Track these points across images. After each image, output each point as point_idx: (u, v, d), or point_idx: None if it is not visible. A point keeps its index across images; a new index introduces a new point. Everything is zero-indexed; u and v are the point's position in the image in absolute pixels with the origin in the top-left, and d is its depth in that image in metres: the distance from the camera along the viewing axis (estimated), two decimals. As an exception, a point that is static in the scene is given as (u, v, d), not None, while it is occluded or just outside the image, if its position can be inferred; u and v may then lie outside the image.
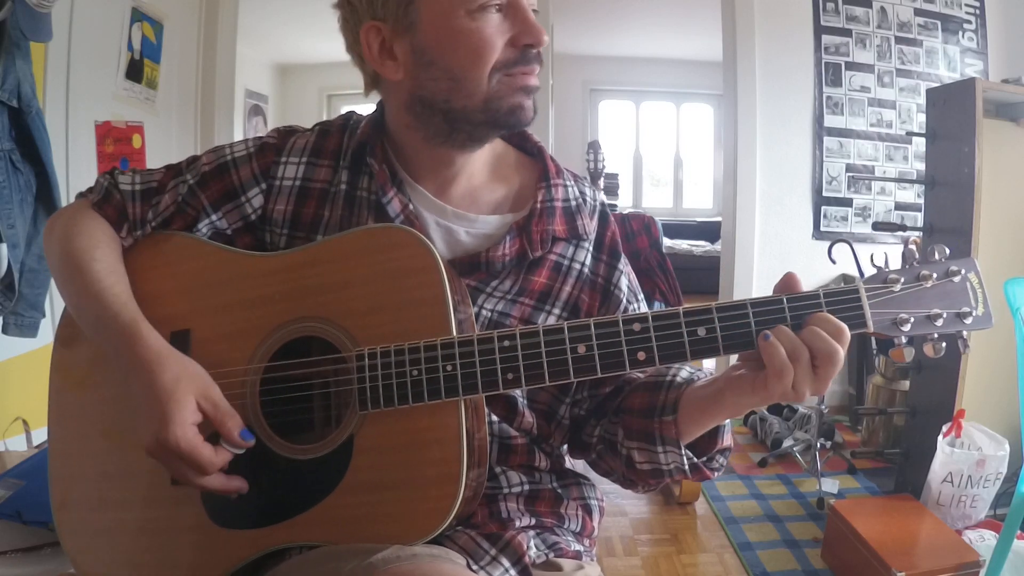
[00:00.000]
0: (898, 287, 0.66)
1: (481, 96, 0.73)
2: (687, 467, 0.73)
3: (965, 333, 0.67)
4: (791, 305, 0.65)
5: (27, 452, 1.48)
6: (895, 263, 0.68)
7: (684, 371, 0.78)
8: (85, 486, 0.79)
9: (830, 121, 3.20)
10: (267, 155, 0.82)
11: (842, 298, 0.65)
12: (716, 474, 0.77)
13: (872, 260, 0.69)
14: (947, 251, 0.67)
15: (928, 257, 0.67)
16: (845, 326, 0.63)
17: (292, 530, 0.70)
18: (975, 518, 1.98)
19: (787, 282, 0.67)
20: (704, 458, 0.75)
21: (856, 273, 2.43)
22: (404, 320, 0.70)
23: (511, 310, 0.79)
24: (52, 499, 0.80)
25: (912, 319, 0.65)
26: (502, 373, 0.67)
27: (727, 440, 0.76)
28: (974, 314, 0.66)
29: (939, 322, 0.66)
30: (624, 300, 0.86)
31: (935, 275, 0.66)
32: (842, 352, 0.62)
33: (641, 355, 0.66)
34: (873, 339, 3.11)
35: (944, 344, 0.67)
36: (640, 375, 0.82)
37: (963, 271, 0.66)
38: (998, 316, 0.68)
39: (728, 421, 0.74)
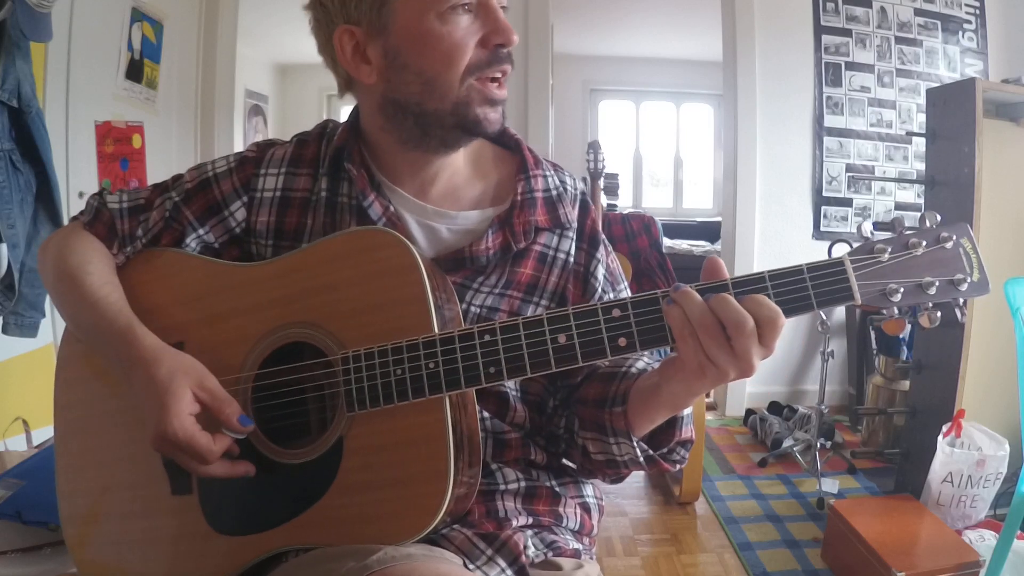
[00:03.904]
0: (886, 256, 0.63)
1: (452, 99, 0.73)
2: (642, 459, 0.73)
3: (962, 300, 0.64)
4: (774, 283, 0.63)
5: (27, 452, 1.48)
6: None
7: (640, 362, 0.78)
8: (91, 500, 0.80)
9: (830, 121, 3.20)
10: (247, 168, 0.84)
11: (827, 271, 0.63)
12: (676, 467, 0.76)
13: (860, 230, 0.66)
14: (938, 218, 0.64)
15: (919, 225, 0.64)
16: (770, 303, 0.61)
17: (288, 534, 0.71)
18: (975, 518, 1.98)
19: (711, 268, 0.65)
20: (664, 450, 0.75)
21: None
22: (388, 320, 0.70)
23: (500, 304, 0.80)
24: (61, 514, 0.81)
25: (902, 289, 0.63)
26: (484, 367, 0.67)
27: (686, 432, 0.74)
28: (969, 280, 0.63)
29: (932, 291, 0.63)
30: (599, 289, 0.85)
31: (925, 242, 0.63)
32: (751, 322, 0.59)
33: (622, 341, 0.65)
34: (873, 339, 3.11)
35: (939, 313, 0.64)
36: (606, 363, 0.81)
37: (955, 237, 0.63)
38: (998, 316, 0.67)
39: (687, 412, 0.73)
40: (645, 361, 0.78)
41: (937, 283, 0.63)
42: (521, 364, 0.67)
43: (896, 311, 0.64)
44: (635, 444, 0.72)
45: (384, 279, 0.71)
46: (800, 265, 0.64)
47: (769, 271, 0.64)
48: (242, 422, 0.70)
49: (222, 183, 0.83)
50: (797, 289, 0.63)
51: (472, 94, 0.73)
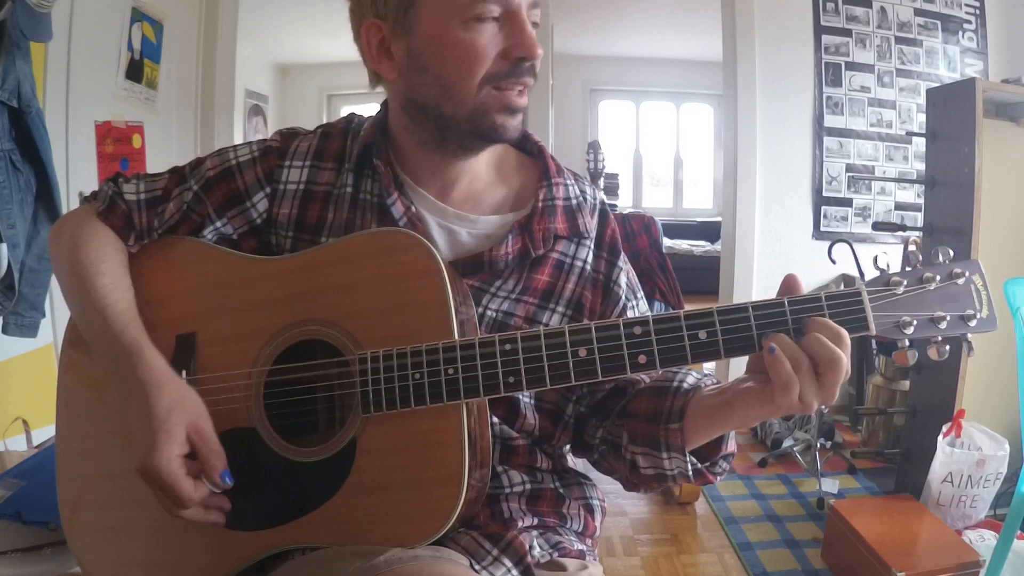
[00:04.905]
0: (901, 289, 0.65)
1: (469, 106, 0.73)
2: (691, 472, 0.73)
3: (969, 336, 0.66)
4: (792, 308, 0.64)
5: (27, 452, 1.48)
6: (896, 264, 0.67)
7: (691, 377, 0.77)
8: (93, 486, 0.79)
9: (830, 121, 3.20)
10: (271, 159, 0.82)
11: (844, 301, 0.64)
12: (719, 478, 0.77)
13: (876, 262, 0.68)
14: (951, 253, 0.66)
15: (931, 259, 0.66)
16: (844, 331, 0.62)
17: (296, 531, 0.71)
18: (975, 518, 1.98)
19: (788, 284, 0.67)
20: (707, 463, 0.75)
21: (856, 273, 2.43)
22: (406, 323, 0.70)
23: (515, 309, 0.80)
24: (60, 498, 0.80)
25: (915, 322, 0.65)
26: (503, 376, 0.67)
27: (731, 446, 0.75)
28: (978, 317, 0.65)
29: (943, 325, 0.65)
30: (623, 297, 0.86)
31: (938, 277, 0.65)
32: (844, 357, 0.61)
33: (642, 358, 0.66)
34: (874, 340, 3.11)
35: (948, 347, 0.66)
36: (645, 377, 0.82)
37: (967, 273, 0.65)
38: (998, 316, 0.67)
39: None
40: (695, 376, 0.78)
41: (948, 317, 0.65)
42: (541, 375, 0.67)
43: (907, 343, 0.66)
44: (688, 459, 0.72)
45: (405, 282, 0.71)
46: (819, 293, 0.65)
47: (788, 298, 0.65)
48: (223, 478, 0.69)
49: (245, 173, 0.82)
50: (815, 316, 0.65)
51: (489, 101, 0.73)
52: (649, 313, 0.71)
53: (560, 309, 0.82)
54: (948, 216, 2.15)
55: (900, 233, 2.68)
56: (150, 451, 0.67)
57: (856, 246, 2.31)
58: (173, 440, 0.67)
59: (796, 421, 2.88)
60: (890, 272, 0.66)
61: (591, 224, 0.85)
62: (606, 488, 0.91)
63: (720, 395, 0.70)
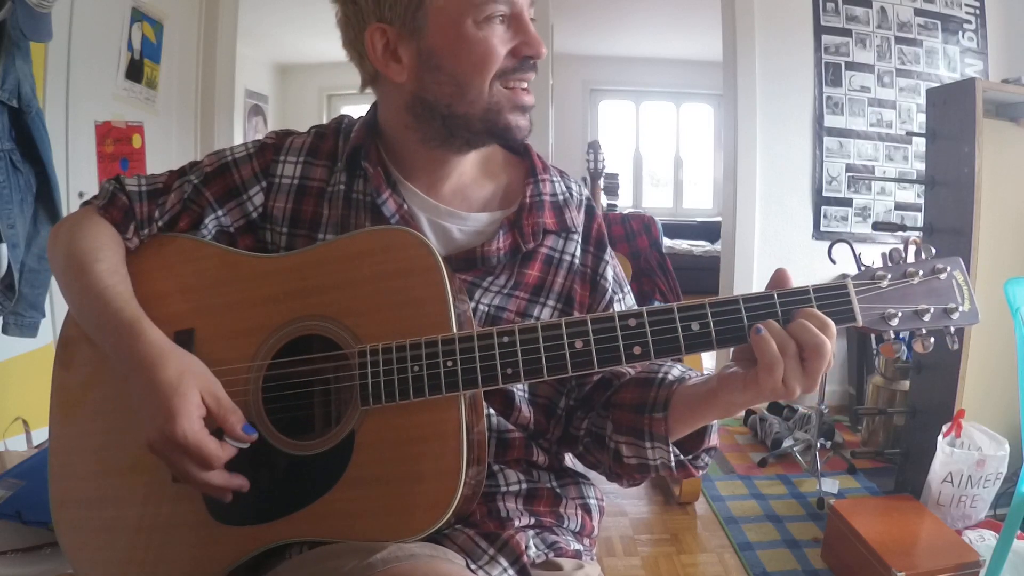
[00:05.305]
0: (885, 283, 0.68)
1: (482, 105, 0.75)
2: (673, 464, 0.74)
3: (953, 329, 0.69)
4: (782, 300, 0.67)
5: (27, 452, 1.48)
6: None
7: (676, 370, 0.79)
8: (85, 484, 0.79)
9: (830, 121, 3.20)
10: (266, 154, 0.84)
11: (832, 293, 0.67)
12: (700, 472, 0.78)
13: (860, 260, 0.70)
14: (933, 250, 0.69)
15: (915, 256, 0.69)
16: (830, 320, 0.65)
17: (292, 525, 0.71)
18: (975, 518, 1.98)
19: (778, 278, 0.69)
20: (690, 456, 0.76)
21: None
22: (406, 318, 0.71)
23: (507, 304, 0.81)
24: (51, 497, 0.80)
25: (900, 314, 0.67)
26: (501, 368, 0.68)
27: (713, 440, 0.77)
28: (960, 310, 0.68)
29: (926, 317, 0.68)
30: (609, 290, 0.87)
31: (921, 272, 0.68)
32: (829, 345, 0.63)
33: (637, 349, 0.67)
34: (874, 339, 3.11)
35: (933, 340, 0.69)
36: (630, 371, 0.83)
37: (948, 269, 0.68)
38: (998, 316, 0.68)
39: (715, 422, 0.76)
40: (680, 369, 0.79)
41: (932, 310, 0.68)
42: (539, 367, 0.68)
43: (893, 335, 0.69)
44: (671, 449, 0.74)
45: (405, 278, 0.72)
46: (807, 286, 0.67)
47: (778, 291, 0.67)
48: (246, 431, 0.70)
49: (242, 168, 0.84)
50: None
51: (501, 100, 0.75)
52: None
53: (551, 303, 0.84)
54: (948, 216, 2.15)
55: (900, 233, 2.68)
56: (168, 418, 0.66)
57: (856, 246, 2.30)
58: (190, 402, 0.67)
59: (796, 421, 2.88)
60: (875, 267, 0.69)
61: (578, 219, 0.87)
62: (606, 488, 0.91)
63: (705, 384, 0.72)
